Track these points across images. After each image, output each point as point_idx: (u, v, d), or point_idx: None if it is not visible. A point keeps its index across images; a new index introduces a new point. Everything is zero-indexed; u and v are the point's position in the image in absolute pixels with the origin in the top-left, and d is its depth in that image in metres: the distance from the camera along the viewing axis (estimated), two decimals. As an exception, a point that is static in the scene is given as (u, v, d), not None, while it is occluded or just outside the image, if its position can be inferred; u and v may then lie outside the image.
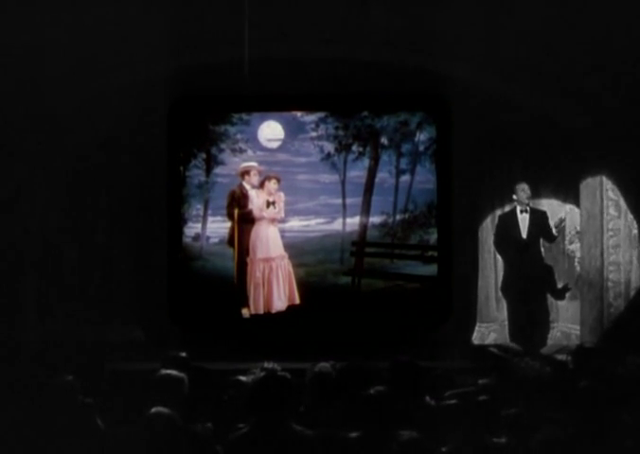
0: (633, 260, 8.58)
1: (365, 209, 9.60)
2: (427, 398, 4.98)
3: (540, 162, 9.23)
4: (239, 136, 9.57)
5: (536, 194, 9.02)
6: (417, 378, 5.07)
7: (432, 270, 9.53)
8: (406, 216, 9.61)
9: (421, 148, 9.61)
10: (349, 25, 8.00)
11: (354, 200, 9.64)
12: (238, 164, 9.55)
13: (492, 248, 9.35)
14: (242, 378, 5.37)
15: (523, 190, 8.78)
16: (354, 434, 4.25)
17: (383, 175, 9.62)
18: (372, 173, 9.62)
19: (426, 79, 8.91)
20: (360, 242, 9.64)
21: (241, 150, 9.59)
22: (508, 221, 8.88)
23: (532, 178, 9.03)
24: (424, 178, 9.58)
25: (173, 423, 4.06)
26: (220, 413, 4.23)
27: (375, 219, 9.59)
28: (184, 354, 5.70)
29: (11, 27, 7.51)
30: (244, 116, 9.58)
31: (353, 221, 9.62)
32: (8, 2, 7.47)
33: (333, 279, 9.62)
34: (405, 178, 9.61)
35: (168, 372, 4.77)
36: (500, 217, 9.13)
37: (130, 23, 7.70)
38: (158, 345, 7.81)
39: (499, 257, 9.28)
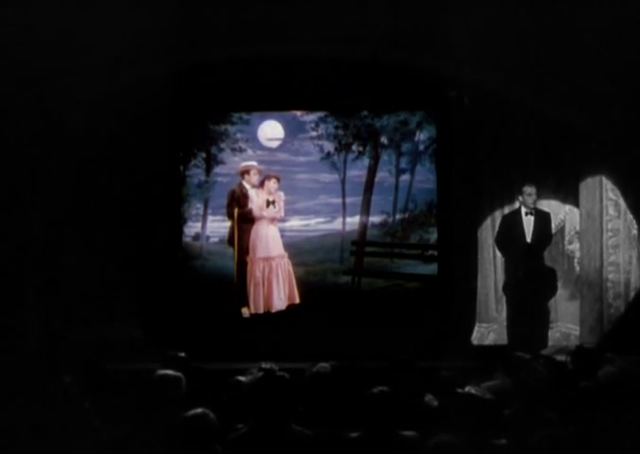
0: (633, 260, 8.59)
1: (365, 208, 9.59)
2: (427, 398, 4.98)
3: (540, 162, 9.22)
4: (239, 136, 9.57)
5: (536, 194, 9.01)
6: (416, 378, 5.07)
7: (432, 269, 9.52)
8: (406, 215, 9.60)
9: (421, 147, 9.61)
10: (349, 24, 7.99)
11: (354, 200, 9.63)
12: (238, 163, 9.55)
13: (492, 248, 9.34)
14: (241, 378, 5.37)
15: (530, 194, 8.73)
16: (354, 434, 4.25)
17: (383, 174, 9.62)
18: (372, 172, 9.62)
19: (426, 79, 8.92)
20: (360, 241, 9.64)
21: (241, 150, 9.59)
22: (513, 223, 8.83)
23: (532, 178, 9.02)
24: (424, 177, 9.58)
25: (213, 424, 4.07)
26: (219, 413, 4.22)
27: (375, 219, 9.59)
28: (183, 354, 5.69)
29: (12, 26, 7.50)
30: (244, 116, 9.57)
31: (353, 221, 9.62)
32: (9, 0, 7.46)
33: (333, 278, 9.62)
34: (405, 177, 9.61)
35: (166, 371, 4.76)
36: (504, 216, 9.09)
37: (130, 22, 7.69)
38: (158, 345, 7.80)
39: (499, 257, 9.28)
